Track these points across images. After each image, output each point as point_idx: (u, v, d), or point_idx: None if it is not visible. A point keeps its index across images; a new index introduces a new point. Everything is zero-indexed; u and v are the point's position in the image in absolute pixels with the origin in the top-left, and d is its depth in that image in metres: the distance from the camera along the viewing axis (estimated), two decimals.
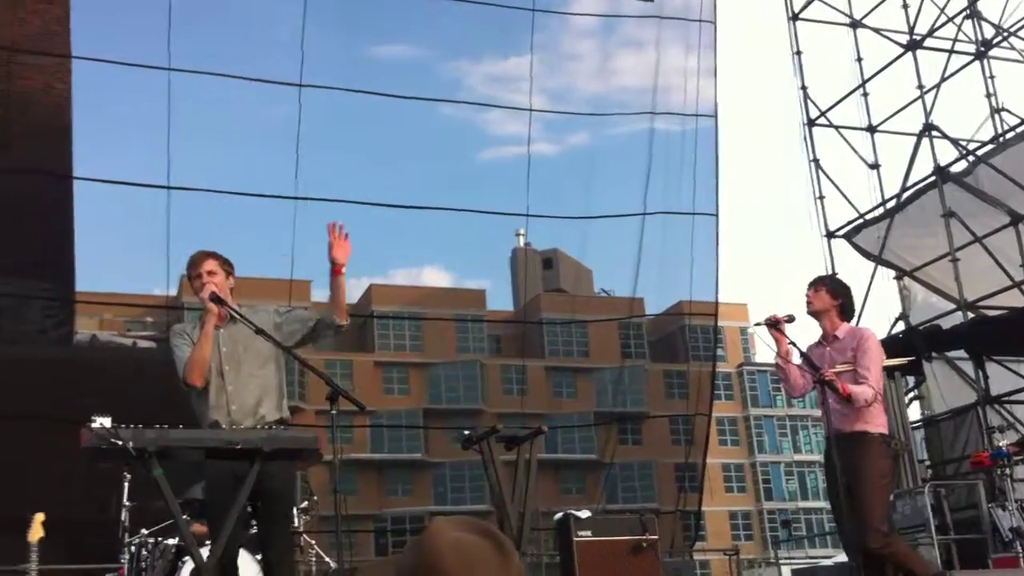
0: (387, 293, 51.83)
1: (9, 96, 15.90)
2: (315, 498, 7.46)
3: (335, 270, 5.27)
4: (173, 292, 18.67)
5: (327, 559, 7.41)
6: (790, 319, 6.15)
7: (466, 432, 7.09)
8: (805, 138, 17.30)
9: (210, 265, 5.27)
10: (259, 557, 5.56)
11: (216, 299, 5.11)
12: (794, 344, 6.15)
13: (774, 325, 6.14)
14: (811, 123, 17.41)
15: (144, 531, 6.99)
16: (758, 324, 6.19)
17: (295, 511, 6.92)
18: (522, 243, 53.76)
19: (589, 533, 7.41)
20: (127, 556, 6.96)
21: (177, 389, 5.44)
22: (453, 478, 50.63)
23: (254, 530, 5.64)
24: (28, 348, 14.49)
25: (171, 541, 6.79)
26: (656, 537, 7.65)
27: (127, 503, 7.06)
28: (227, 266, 5.37)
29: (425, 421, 50.51)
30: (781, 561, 28.75)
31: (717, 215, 17.09)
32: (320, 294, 52.72)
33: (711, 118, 17.45)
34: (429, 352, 52.16)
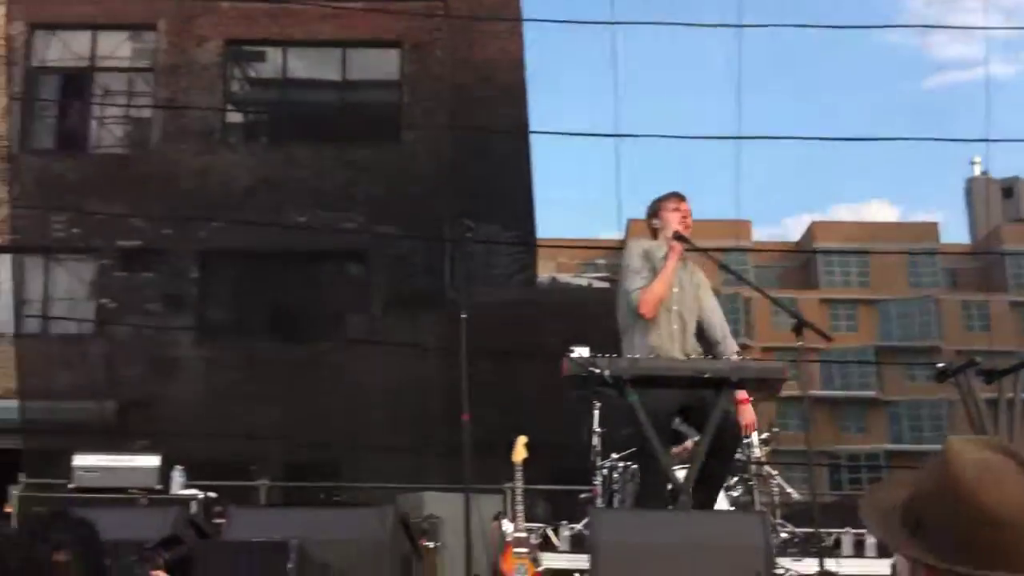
0: (830, 229, 50.18)
1: (470, 63, 17.40)
2: (776, 430, 7.45)
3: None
4: (621, 235, 19.49)
5: (789, 490, 7.37)
6: None
7: (940, 365, 6.69)
8: None
9: (687, 206, 5.45)
10: None
11: (679, 237, 5.25)
12: None
13: None
14: None
15: (614, 455, 7.35)
16: None
17: (757, 440, 6.96)
18: (978, 172, 49.57)
19: None
20: (599, 479, 7.32)
21: None
22: (910, 416, 48.23)
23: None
24: (499, 291, 15.89)
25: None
26: None
27: (597, 429, 7.43)
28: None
29: (877, 358, 48.53)
30: None
31: None
32: (760, 233, 52.09)
33: None
34: (877, 288, 49.81)
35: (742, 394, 5.39)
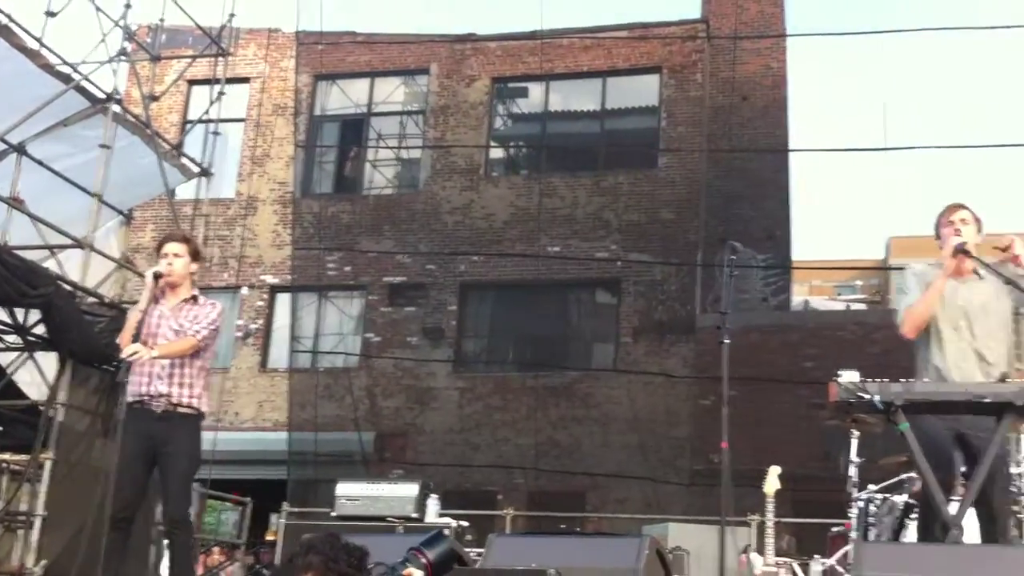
0: None
1: (731, 83, 17.17)
2: None
3: None
4: (883, 256, 18.46)
5: None
6: None
7: None
8: None
9: (963, 215, 5.01)
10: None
11: (963, 251, 4.86)
12: None
13: None
14: None
15: (872, 487, 6.97)
16: None
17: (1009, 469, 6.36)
18: None
19: None
20: (855, 511, 6.99)
21: (897, 350, 5.32)
22: None
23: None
24: (752, 315, 15.47)
25: (899, 498, 6.68)
26: None
27: (855, 459, 7.08)
28: (979, 221, 5.06)
29: None
30: None
31: None
32: None
33: None
34: None
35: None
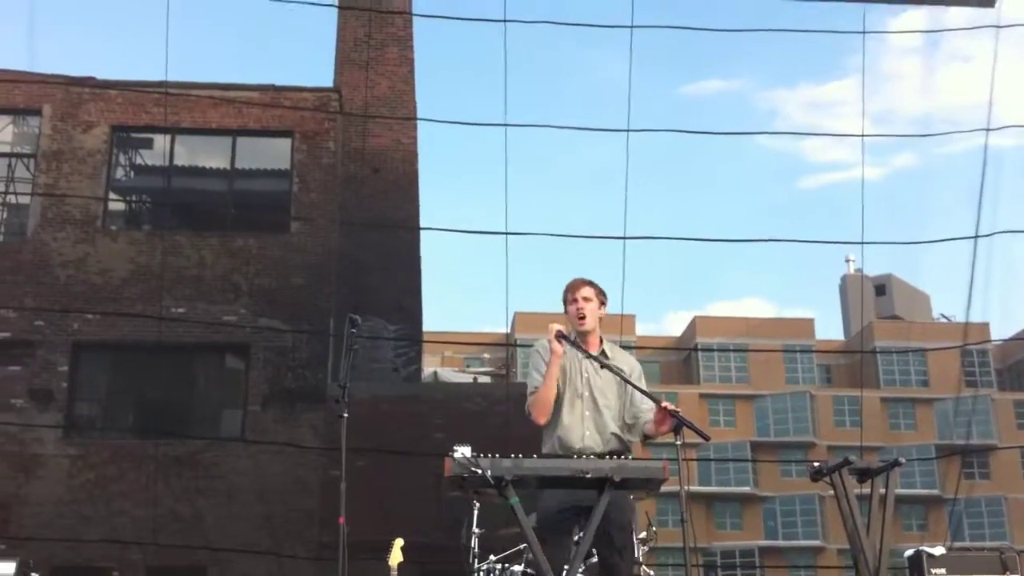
0: (712, 325, 51.48)
1: (363, 155, 17.47)
2: (654, 529, 7.49)
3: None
4: (507, 330, 19.58)
5: None
6: None
7: (816, 464, 6.88)
8: None
9: (586, 291, 5.35)
10: None
11: (561, 337, 5.23)
12: None
13: None
14: None
15: (492, 557, 7.26)
16: None
17: (635, 541, 6.98)
18: (852, 270, 51.82)
19: (944, 571, 7.00)
20: None
21: (518, 422, 5.65)
22: (784, 512, 49.12)
23: (594, 559, 5.80)
24: (381, 385, 15.73)
25: (517, 568, 7.04)
26: None
27: (476, 530, 7.34)
28: (602, 296, 5.44)
29: (752, 454, 49.51)
30: None
31: None
32: (643, 328, 53.18)
33: None
34: (756, 384, 51.09)
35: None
